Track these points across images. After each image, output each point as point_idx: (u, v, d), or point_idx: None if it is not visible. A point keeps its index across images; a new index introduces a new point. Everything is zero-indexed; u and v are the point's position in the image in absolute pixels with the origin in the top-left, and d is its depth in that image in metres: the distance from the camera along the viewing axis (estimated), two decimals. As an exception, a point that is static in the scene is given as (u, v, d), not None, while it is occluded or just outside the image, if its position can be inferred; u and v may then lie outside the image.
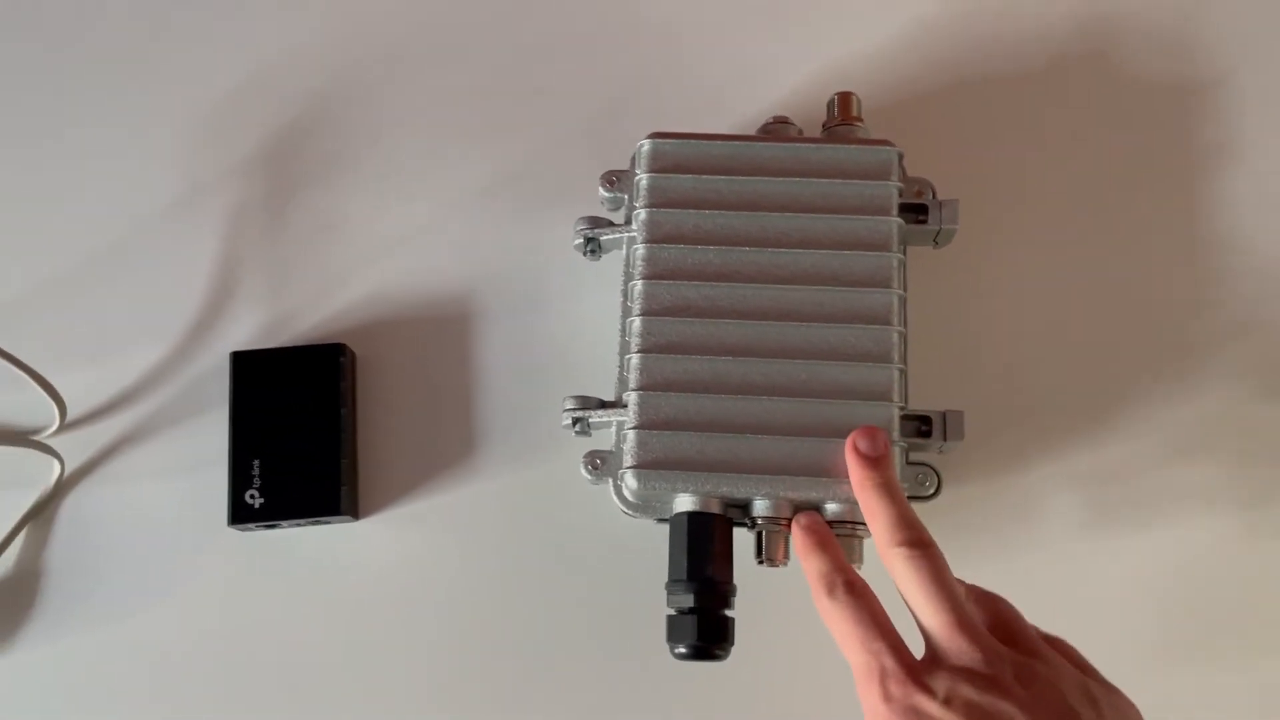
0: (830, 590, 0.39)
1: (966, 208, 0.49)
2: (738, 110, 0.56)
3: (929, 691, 0.35)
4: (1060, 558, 0.50)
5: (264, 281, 0.54)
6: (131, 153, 0.56)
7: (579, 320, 0.54)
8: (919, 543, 0.38)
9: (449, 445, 0.52)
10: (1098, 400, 0.52)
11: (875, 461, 0.42)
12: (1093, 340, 0.53)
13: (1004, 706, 0.34)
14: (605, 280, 0.52)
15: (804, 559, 0.41)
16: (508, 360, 0.53)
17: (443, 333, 0.54)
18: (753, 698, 0.49)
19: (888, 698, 0.35)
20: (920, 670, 0.36)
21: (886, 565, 0.39)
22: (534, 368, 0.53)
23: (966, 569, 0.40)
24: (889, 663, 0.36)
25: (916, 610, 0.38)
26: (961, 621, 0.36)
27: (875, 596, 0.39)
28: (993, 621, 0.39)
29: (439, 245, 0.55)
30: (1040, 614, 0.40)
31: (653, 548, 0.49)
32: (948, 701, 0.34)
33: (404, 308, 0.54)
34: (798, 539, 0.42)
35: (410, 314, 0.54)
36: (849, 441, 0.43)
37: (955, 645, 0.36)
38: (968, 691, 0.34)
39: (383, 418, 0.53)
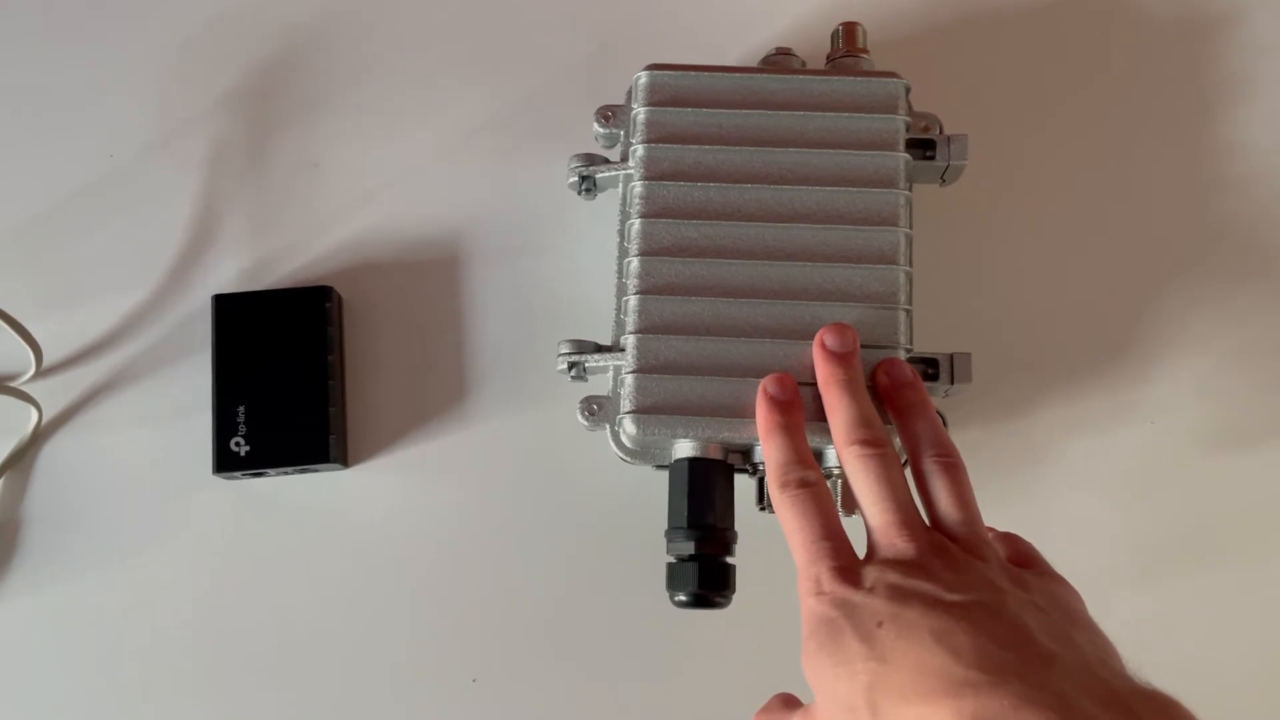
0: (784, 484, 0.38)
1: (974, 144, 0.47)
2: (740, 41, 0.54)
3: (857, 584, 0.35)
4: (1066, 503, 0.50)
5: (246, 223, 0.52)
6: (107, 90, 0.54)
7: (573, 262, 0.52)
8: (874, 442, 0.38)
9: (439, 391, 0.51)
10: (1104, 343, 0.51)
11: (842, 358, 0.41)
12: (1100, 282, 0.51)
13: (925, 586, 0.34)
14: (600, 220, 0.51)
15: (764, 439, 0.40)
16: (499, 304, 0.52)
17: (432, 276, 0.52)
18: (753, 645, 0.48)
19: (819, 592, 0.35)
20: (854, 567, 0.36)
21: (841, 462, 0.39)
22: (526, 311, 0.52)
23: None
24: (827, 561, 0.36)
25: (864, 508, 0.37)
26: (904, 520, 0.36)
27: (829, 494, 0.38)
28: (1011, 554, 0.39)
29: (427, 186, 0.53)
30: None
31: (650, 494, 0.48)
32: (872, 589, 0.34)
33: (391, 251, 0.52)
34: (761, 414, 0.41)
35: (398, 257, 0.52)
36: (816, 337, 0.42)
37: (890, 540, 0.36)
38: (892, 578, 0.34)
39: (371, 363, 0.51)
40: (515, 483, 0.50)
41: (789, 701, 0.38)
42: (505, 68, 0.54)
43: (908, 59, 0.50)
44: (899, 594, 0.34)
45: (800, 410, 0.41)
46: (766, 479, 0.40)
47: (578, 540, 0.50)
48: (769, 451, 0.40)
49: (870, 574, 0.35)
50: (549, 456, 0.50)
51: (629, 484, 0.49)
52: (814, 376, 0.42)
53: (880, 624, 0.33)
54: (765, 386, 0.41)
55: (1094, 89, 0.54)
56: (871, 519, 0.37)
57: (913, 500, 0.38)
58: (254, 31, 0.54)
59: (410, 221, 0.53)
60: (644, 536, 0.46)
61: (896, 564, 0.35)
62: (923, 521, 0.37)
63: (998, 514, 0.40)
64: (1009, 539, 0.40)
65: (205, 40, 0.54)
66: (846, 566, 0.36)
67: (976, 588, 0.34)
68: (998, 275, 0.51)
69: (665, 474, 0.45)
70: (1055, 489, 0.50)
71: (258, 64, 0.54)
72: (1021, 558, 0.39)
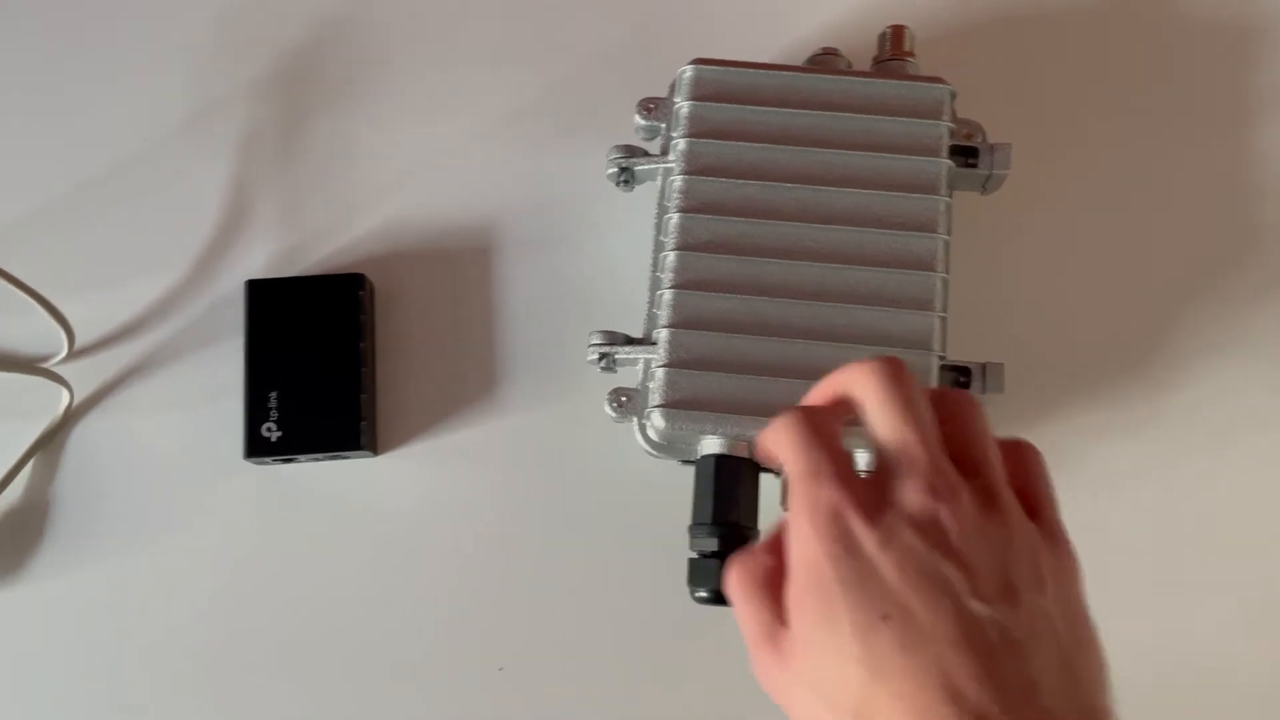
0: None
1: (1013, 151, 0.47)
2: (779, 37, 0.53)
3: (876, 522, 0.30)
4: (1093, 510, 0.49)
5: (277, 208, 0.52)
6: (141, 69, 0.54)
7: (605, 253, 0.52)
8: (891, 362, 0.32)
9: (470, 381, 0.51)
10: (1138, 353, 0.50)
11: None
12: (1132, 289, 0.51)
13: (950, 574, 0.29)
14: (635, 211, 0.51)
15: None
16: (531, 293, 0.52)
17: (464, 264, 0.52)
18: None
19: (834, 521, 0.30)
20: (869, 494, 0.30)
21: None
22: (557, 302, 0.51)
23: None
24: (836, 476, 0.30)
25: (876, 424, 0.32)
26: (934, 461, 0.31)
27: (834, 421, 0.32)
28: (1015, 483, 0.33)
29: (460, 173, 0.53)
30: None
31: (675, 488, 0.48)
32: (886, 545, 0.29)
33: (423, 238, 0.52)
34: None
35: (430, 244, 0.52)
36: None
37: (917, 479, 0.30)
38: (913, 541, 0.29)
39: (401, 351, 0.51)
40: (544, 473, 0.50)
41: (772, 583, 0.32)
42: (541, 54, 0.54)
43: (946, 60, 0.50)
44: (915, 577, 0.29)
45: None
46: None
47: (605, 531, 0.49)
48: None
49: (889, 520, 0.30)
50: (578, 448, 0.50)
51: (656, 477, 0.49)
52: None
53: (886, 617, 0.29)
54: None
55: (1134, 98, 0.53)
56: (889, 434, 0.31)
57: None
58: (289, 12, 0.54)
59: (442, 209, 0.52)
60: (670, 530, 0.46)
61: (920, 525, 0.30)
62: (956, 472, 0.31)
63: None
64: (1016, 450, 0.34)
65: (240, 20, 0.54)
66: (862, 487, 0.30)
67: (999, 595, 0.29)
68: (1029, 281, 0.51)
69: (691, 469, 0.46)
70: (1085, 494, 0.49)
71: (292, 46, 0.54)
72: (1029, 496, 0.33)
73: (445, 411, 0.50)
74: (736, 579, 0.32)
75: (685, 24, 0.54)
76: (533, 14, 0.55)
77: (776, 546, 0.32)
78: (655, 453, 0.46)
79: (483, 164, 0.53)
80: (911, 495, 0.30)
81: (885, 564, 0.29)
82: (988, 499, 0.31)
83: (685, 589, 0.42)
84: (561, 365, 0.51)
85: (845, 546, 0.29)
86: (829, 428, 0.32)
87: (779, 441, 0.32)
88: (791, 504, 0.31)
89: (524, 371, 0.51)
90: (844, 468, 0.31)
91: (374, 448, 0.50)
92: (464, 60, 0.54)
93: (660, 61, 0.53)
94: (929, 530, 0.30)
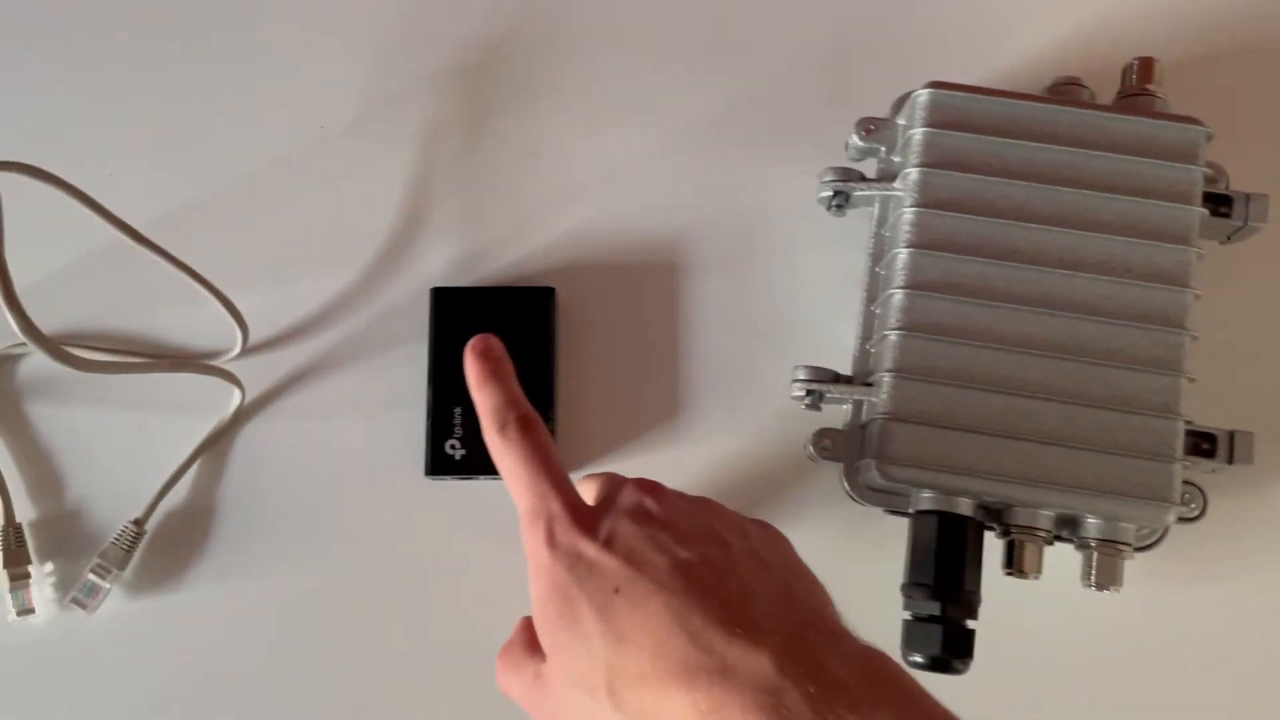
0: (502, 427, 0.37)
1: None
2: (997, 58, 0.50)
3: (592, 531, 0.34)
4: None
5: (456, 210, 0.49)
6: (321, 59, 0.51)
7: (798, 276, 0.49)
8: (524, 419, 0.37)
9: (653, 404, 0.48)
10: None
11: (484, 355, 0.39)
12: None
13: (660, 536, 0.34)
14: (834, 235, 0.48)
15: (475, 392, 0.38)
16: (720, 316, 0.48)
17: (649, 280, 0.49)
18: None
19: (551, 543, 0.34)
20: (585, 509, 0.35)
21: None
22: (747, 325, 0.48)
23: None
24: (557, 499, 0.35)
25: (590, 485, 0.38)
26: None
27: (547, 434, 0.37)
28: None
29: (650, 183, 0.50)
30: None
31: (870, 534, 0.45)
32: (607, 542, 0.34)
33: (608, 250, 0.49)
34: (470, 368, 0.39)
35: (615, 258, 0.49)
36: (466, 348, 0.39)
37: (627, 487, 0.36)
38: (626, 527, 0.34)
39: (582, 369, 0.48)
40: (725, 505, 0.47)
41: (533, 642, 0.36)
42: (739, 61, 0.51)
43: (1175, 93, 0.46)
44: (633, 552, 0.33)
45: (509, 364, 0.39)
46: (483, 429, 0.37)
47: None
48: (481, 400, 0.38)
49: (606, 523, 0.34)
50: (765, 482, 0.47)
51: (844, 517, 0.46)
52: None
53: (617, 589, 0.33)
54: (471, 345, 0.39)
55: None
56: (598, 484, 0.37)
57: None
58: (474, 3, 0.51)
59: (628, 220, 0.49)
60: (860, 572, 0.43)
61: (632, 513, 0.35)
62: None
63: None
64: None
65: (422, 10, 0.51)
66: (578, 507, 0.35)
67: (705, 539, 0.34)
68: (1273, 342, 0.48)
69: (893, 518, 0.43)
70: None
71: (476, 39, 0.51)
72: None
73: (626, 435, 0.48)
74: (499, 660, 0.37)
75: (891, 40, 0.51)
76: (732, 17, 0.51)
77: (526, 621, 0.37)
78: (860, 500, 0.43)
79: (672, 174, 0.50)
80: (625, 495, 0.36)
81: (610, 554, 0.33)
82: (693, 497, 0.37)
83: (876, 634, 0.40)
84: (749, 394, 0.48)
85: (576, 555, 0.34)
86: (549, 451, 0.36)
87: (506, 470, 0.36)
88: (525, 532, 0.35)
89: (709, 399, 0.48)
90: (567, 484, 0.36)
91: (554, 469, 0.47)
92: (660, 62, 0.51)
93: (864, 77, 0.50)
94: (639, 514, 0.35)
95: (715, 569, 0.33)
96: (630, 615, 0.32)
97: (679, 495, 0.36)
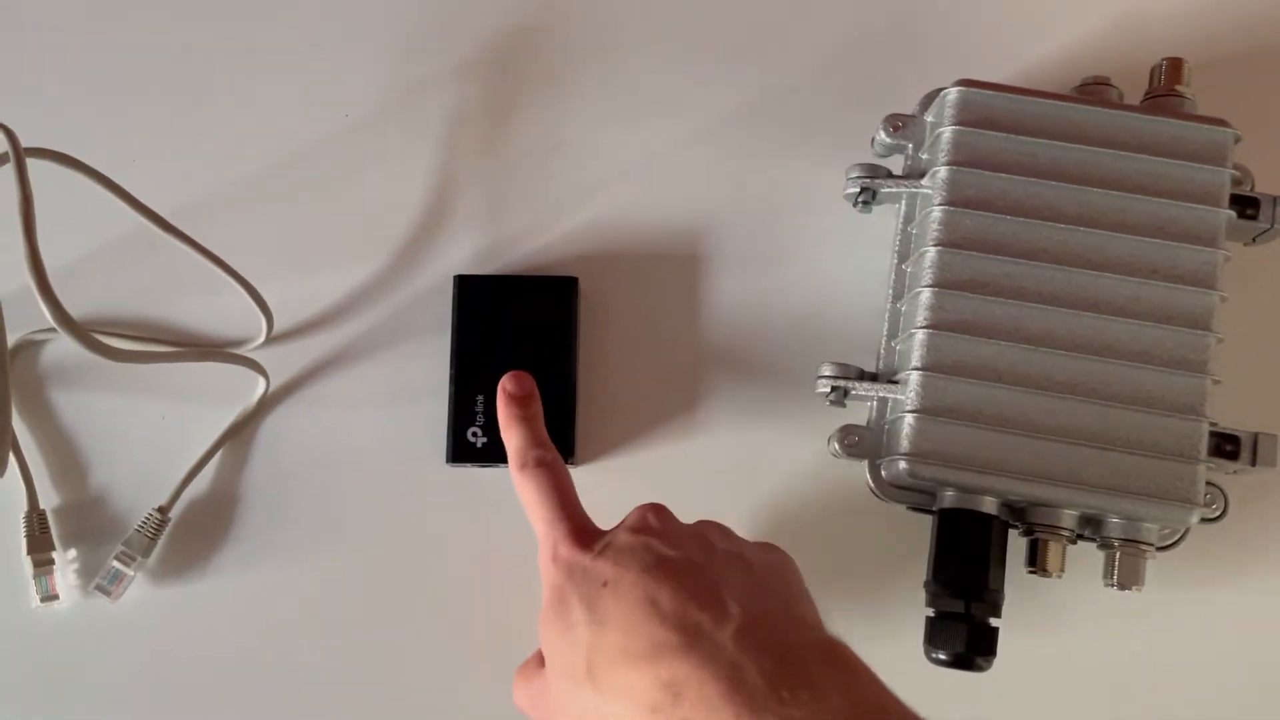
0: (522, 465, 0.40)
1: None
2: (1022, 58, 0.50)
3: (589, 547, 0.37)
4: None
5: (481, 199, 0.49)
6: (346, 49, 0.51)
7: (821, 271, 0.49)
8: (542, 461, 0.40)
9: (671, 397, 0.48)
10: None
11: (520, 400, 0.42)
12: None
13: (651, 541, 0.36)
14: (858, 231, 0.48)
15: (504, 430, 0.42)
16: (740, 311, 0.49)
17: (670, 272, 0.49)
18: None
19: (554, 558, 0.37)
20: (591, 531, 0.38)
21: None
22: (768, 319, 0.49)
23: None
24: (564, 525, 0.38)
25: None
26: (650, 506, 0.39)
27: (566, 472, 0.40)
28: None
29: (673, 175, 0.50)
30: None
31: (887, 528, 0.45)
32: (601, 552, 0.36)
33: (630, 242, 0.49)
34: (501, 408, 0.42)
35: (636, 249, 0.49)
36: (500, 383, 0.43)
37: (637, 513, 0.38)
38: (621, 538, 0.37)
39: (601, 359, 0.48)
40: (746, 500, 0.47)
41: (542, 657, 0.38)
42: (764, 55, 0.51)
43: (1199, 94, 0.46)
44: (622, 555, 0.36)
45: (537, 403, 0.42)
46: (509, 465, 0.41)
47: (803, 563, 0.47)
48: (510, 439, 0.41)
49: (606, 538, 0.37)
50: (783, 476, 0.47)
51: (866, 514, 0.46)
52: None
53: (605, 584, 0.35)
54: (504, 384, 0.42)
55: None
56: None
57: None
58: (501, -7, 0.51)
59: (651, 213, 0.49)
60: (874, 568, 0.44)
61: (632, 528, 0.37)
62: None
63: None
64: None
65: (448, 3, 0.51)
66: (582, 529, 0.38)
67: (691, 544, 0.36)
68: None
69: (911, 512, 0.43)
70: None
71: (502, 29, 0.51)
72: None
73: (645, 426, 0.48)
74: (515, 679, 0.40)
75: (918, 38, 0.51)
76: (757, 12, 0.51)
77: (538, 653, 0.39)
78: (884, 497, 0.44)
79: (696, 168, 0.50)
80: (631, 515, 0.38)
81: (603, 559, 0.36)
82: (699, 521, 0.39)
83: (896, 629, 0.40)
84: (766, 389, 0.48)
85: (573, 564, 0.36)
86: (566, 487, 0.40)
87: (527, 501, 0.40)
88: (540, 556, 0.38)
89: (728, 392, 0.48)
90: (577, 513, 0.39)
91: (573, 458, 0.47)
92: (684, 55, 0.51)
93: (889, 74, 0.50)
94: (638, 527, 0.37)
95: (695, 564, 0.35)
96: (613, 604, 0.34)
97: (680, 524, 0.39)
